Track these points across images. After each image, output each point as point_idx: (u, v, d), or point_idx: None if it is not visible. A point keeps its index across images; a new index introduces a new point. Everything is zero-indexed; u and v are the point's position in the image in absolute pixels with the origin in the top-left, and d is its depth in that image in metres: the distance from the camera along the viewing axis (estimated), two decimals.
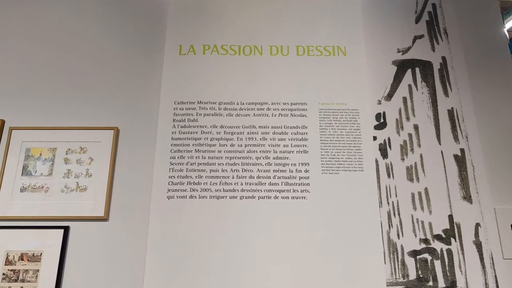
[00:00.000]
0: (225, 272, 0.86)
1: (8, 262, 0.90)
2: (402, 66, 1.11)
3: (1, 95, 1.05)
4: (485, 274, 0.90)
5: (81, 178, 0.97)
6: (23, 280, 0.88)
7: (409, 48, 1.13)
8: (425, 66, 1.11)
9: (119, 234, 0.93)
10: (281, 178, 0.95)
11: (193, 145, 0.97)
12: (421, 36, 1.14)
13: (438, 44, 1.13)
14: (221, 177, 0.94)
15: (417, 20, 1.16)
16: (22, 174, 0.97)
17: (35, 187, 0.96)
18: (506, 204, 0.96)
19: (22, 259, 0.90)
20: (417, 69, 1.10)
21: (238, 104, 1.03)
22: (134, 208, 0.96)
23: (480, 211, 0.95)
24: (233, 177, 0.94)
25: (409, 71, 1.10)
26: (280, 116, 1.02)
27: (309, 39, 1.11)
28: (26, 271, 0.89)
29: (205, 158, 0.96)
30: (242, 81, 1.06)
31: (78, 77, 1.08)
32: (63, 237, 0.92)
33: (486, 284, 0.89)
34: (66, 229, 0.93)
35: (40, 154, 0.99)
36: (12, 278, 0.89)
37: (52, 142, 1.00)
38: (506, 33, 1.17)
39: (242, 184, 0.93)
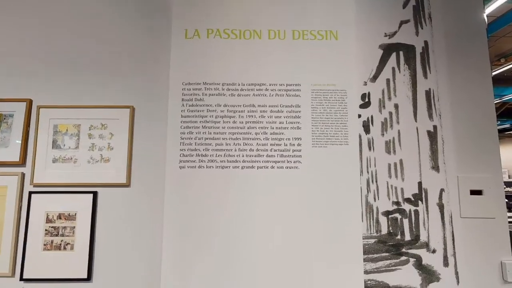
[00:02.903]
0: (229, 230, 0.93)
1: (48, 220, 0.96)
2: (388, 50, 1.09)
3: (27, 77, 1.05)
4: (444, 230, 0.97)
5: (104, 151, 1.01)
6: (62, 235, 0.96)
7: (395, 33, 1.10)
8: (408, 50, 1.09)
9: (139, 198, 0.99)
10: (277, 151, 0.98)
11: (200, 122, 0.99)
12: (407, 21, 1.11)
13: (422, 28, 1.10)
14: (225, 150, 0.97)
15: (405, 5, 1.12)
16: (52, 148, 1.00)
17: (65, 158, 1.00)
18: (468, 173, 1.01)
19: (60, 218, 0.96)
20: (401, 53, 1.09)
21: (239, 85, 1.03)
22: (151, 176, 1.00)
23: (445, 179, 1.00)
24: (235, 150, 0.98)
25: (393, 55, 1.09)
26: (276, 96, 1.03)
27: (304, 24, 1.07)
28: (64, 227, 0.96)
29: (210, 133, 0.98)
30: (242, 63, 1.04)
31: (95, 60, 1.07)
32: (93, 200, 0.97)
33: (444, 237, 0.97)
34: (95, 194, 0.98)
35: (67, 130, 1.01)
36: (53, 233, 0.96)
37: (76, 119, 1.02)
38: (485, 18, 1.13)
39: (243, 156, 0.97)
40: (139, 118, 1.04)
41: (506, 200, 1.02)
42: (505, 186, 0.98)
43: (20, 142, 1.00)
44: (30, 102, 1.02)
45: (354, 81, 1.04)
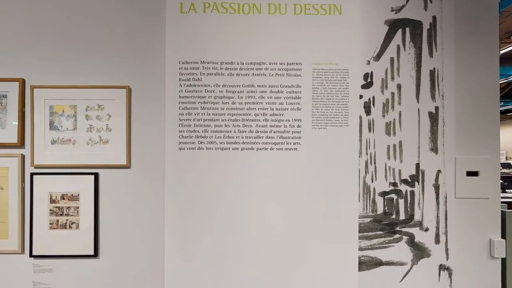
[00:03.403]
0: (229, 210, 0.94)
1: (52, 201, 0.97)
2: (394, 26, 1.02)
3: (19, 55, 0.99)
4: (438, 210, 0.99)
5: (102, 132, 0.98)
6: (67, 214, 0.97)
7: (402, 7, 1.02)
8: (415, 26, 1.02)
9: (140, 179, 0.99)
10: (277, 132, 0.96)
11: (198, 102, 0.95)
12: None
13: (431, 2, 1.02)
14: (224, 131, 0.95)
15: None
16: (50, 129, 0.98)
17: (63, 140, 0.98)
18: (466, 154, 1.00)
19: (64, 199, 0.97)
20: (407, 29, 1.02)
21: (238, 64, 0.98)
22: (151, 158, 0.99)
23: (443, 160, 0.99)
24: (235, 132, 0.95)
25: (399, 31, 1.02)
26: (276, 76, 0.98)
27: None
28: (69, 207, 0.97)
29: (209, 114, 0.95)
30: (241, 40, 0.98)
31: (88, 38, 1.00)
32: (95, 181, 0.97)
33: (437, 216, 0.99)
34: (96, 175, 0.98)
35: (63, 111, 0.98)
36: (58, 213, 0.97)
37: (72, 100, 0.98)
38: None
39: (242, 138, 0.95)
40: (136, 99, 1.00)
41: (501, 181, 1.02)
42: (500, 168, 0.97)
43: (16, 123, 0.97)
44: (23, 82, 0.98)
45: (357, 60, 0.99)
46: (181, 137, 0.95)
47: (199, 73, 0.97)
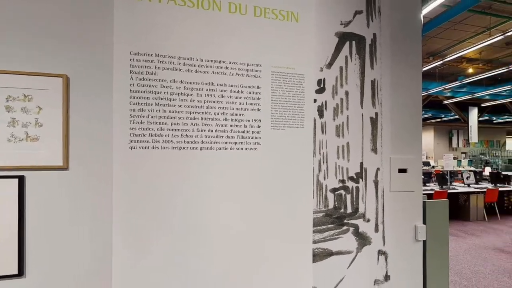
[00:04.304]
0: (187, 210, 0.87)
1: None
2: (343, 38, 1.10)
3: None
4: (377, 202, 1.10)
5: (30, 127, 0.80)
6: None
7: (350, 22, 1.11)
8: (360, 40, 1.12)
9: (81, 182, 0.84)
10: (237, 132, 0.93)
11: (153, 98, 0.86)
12: (360, 12, 1.12)
13: (372, 21, 1.14)
14: (182, 130, 0.88)
15: None
16: None
17: None
18: (398, 154, 1.14)
19: None
20: (353, 42, 1.11)
21: (197, 60, 0.92)
22: (95, 157, 0.85)
23: (381, 159, 1.11)
24: (193, 130, 0.89)
25: (347, 43, 1.10)
26: (237, 75, 0.95)
27: (265, 0, 0.99)
28: None
29: (165, 111, 0.87)
30: (201, 36, 0.92)
31: (17, 16, 0.80)
32: (19, 186, 0.79)
33: (376, 208, 1.10)
34: (21, 179, 0.79)
35: None
36: None
37: None
38: (422, 18, 1.22)
39: (201, 137, 0.90)
40: (76, 90, 0.85)
41: (422, 177, 1.20)
42: (422, 165, 1.14)
43: None
44: None
45: (312, 66, 1.03)
46: (132, 135, 0.84)
47: (154, 67, 0.87)
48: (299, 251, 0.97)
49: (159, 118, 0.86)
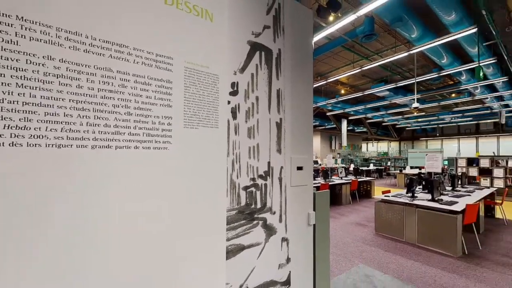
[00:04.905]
0: (75, 221, 0.66)
1: None
2: (254, 47, 1.17)
3: None
4: (281, 196, 1.22)
5: None
6: None
7: (260, 34, 1.19)
8: (268, 52, 1.22)
9: None
10: (143, 129, 0.80)
11: (13, 76, 0.60)
12: (268, 27, 1.23)
13: (278, 37, 1.27)
14: (64, 123, 0.66)
15: (268, 12, 1.23)
16: None
17: None
18: (296, 154, 1.32)
19: None
20: (263, 53, 1.20)
21: (88, 38, 0.72)
22: None
23: (284, 159, 1.25)
24: (81, 124, 0.69)
25: (258, 53, 1.18)
26: (143, 65, 0.82)
27: None
28: None
29: (35, 96, 0.63)
30: (96, 9, 0.74)
31: None
32: None
33: (280, 201, 1.22)
34: None
35: None
36: None
37: None
38: (313, 44, 1.48)
39: (94, 133, 0.71)
40: None
41: (313, 173, 1.44)
42: (313, 163, 1.36)
43: None
44: None
45: (226, 68, 1.03)
46: None
47: (15, 34, 0.62)
48: (213, 249, 0.93)
49: (23, 105, 0.61)
